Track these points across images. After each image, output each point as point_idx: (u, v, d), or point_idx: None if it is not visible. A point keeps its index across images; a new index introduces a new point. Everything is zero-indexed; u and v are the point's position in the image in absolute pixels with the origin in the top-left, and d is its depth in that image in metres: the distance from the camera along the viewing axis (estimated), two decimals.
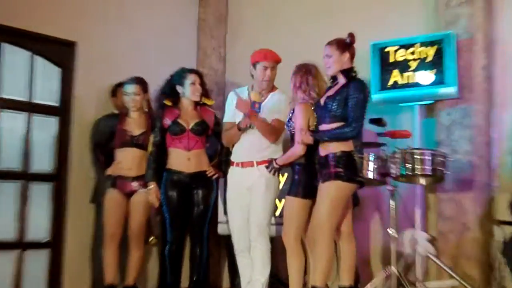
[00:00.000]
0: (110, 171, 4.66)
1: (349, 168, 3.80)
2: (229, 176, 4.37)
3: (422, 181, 4.21)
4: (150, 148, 4.58)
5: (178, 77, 4.58)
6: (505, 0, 4.78)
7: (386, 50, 4.81)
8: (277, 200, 4.37)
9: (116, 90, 5.02)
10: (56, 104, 4.97)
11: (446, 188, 4.59)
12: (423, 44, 4.69)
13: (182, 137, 4.48)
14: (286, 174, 4.52)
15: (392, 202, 4.11)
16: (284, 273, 4.26)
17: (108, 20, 5.23)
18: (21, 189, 4.74)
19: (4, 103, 4.69)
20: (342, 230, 3.97)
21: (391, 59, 4.78)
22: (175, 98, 4.59)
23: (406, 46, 4.75)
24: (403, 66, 4.73)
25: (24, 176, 4.77)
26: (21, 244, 4.71)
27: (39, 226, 4.81)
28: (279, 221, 4.39)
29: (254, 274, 4.14)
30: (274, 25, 5.69)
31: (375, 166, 3.98)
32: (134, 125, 4.69)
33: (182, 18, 5.89)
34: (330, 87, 4.02)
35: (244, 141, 4.24)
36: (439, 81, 4.61)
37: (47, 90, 4.93)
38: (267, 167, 4.14)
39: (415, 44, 4.72)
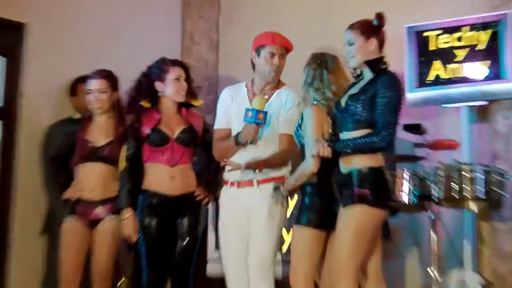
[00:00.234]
0: (68, 193, 4.50)
1: (377, 190, 3.67)
2: (221, 199, 4.26)
3: (473, 206, 4.23)
4: (122, 163, 4.40)
5: (157, 70, 4.43)
6: None
7: (425, 35, 4.82)
8: (284, 231, 4.28)
9: (77, 87, 4.93)
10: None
11: (505, 216, 4.55)
12: (474, 27, 4.71)
13: (165, 149, 4.35)
14: (296, 196, 4.39)
15: (433, 234, 4.04)
16: None
17: None
18: None
19: None
20: (368, 271, 3.80)
21: (432, 47, 4.81)
22: (154, 98, 4.45)
23: (451, 30, 4.77)
24: (447, 55, 4.75)
25: None
26: None
27: None
28: (286, 259, 4.29)
29: None
30: (281, 3, 5.59)
31: (412, 187, 3.91)
32: (99, 132, 4.54)
33: None
34: (353, 84, 3.89)
35: (242, 154, 4.11)
36: (494, 76, 4.61)
37: None
38: (274, 190, 4.06)
39: (462, 27, 4.73)
